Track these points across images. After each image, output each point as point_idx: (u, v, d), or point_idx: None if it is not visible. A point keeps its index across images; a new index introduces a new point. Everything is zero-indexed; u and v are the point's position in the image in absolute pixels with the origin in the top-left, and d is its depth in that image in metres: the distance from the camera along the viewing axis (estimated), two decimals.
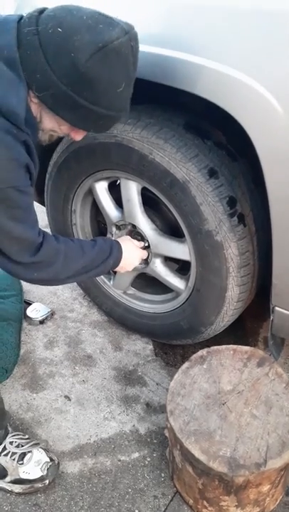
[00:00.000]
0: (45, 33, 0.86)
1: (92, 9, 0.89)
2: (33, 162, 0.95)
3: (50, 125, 0.99)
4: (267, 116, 0.93)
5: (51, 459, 1.27)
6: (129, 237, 1.35)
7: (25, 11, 0.93)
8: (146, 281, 1.67)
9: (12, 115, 0.87)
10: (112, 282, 1.67)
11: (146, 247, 1.42)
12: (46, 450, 1.29)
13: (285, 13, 0.88)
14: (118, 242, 1.27)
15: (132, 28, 0.89)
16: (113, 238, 1.43)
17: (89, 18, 0.86)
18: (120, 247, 1.26)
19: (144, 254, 1.38)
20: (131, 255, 1.29)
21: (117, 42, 0.85)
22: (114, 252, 1.23)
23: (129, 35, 0.88)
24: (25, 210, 0.98)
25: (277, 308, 1.24)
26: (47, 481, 1.24)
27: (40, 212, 2.10)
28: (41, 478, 1.23)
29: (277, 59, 0.90)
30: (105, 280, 1.68)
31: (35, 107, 0.95)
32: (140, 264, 1.42)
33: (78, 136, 1.03)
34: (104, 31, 0.85)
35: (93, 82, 0.87)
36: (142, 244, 1.38)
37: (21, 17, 0.91)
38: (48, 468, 1.24)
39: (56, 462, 1.27)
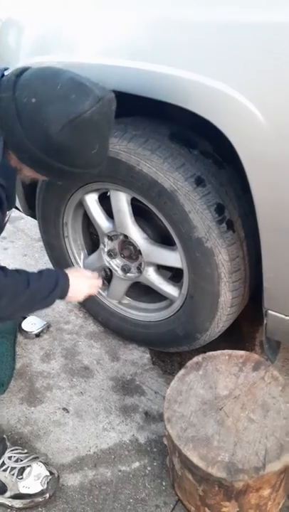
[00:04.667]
0: (20, 101, 0.89)
1: (68, 74, 0.91)
2: (2, 205, 1.00)
3: (30, 174, 1.03)
4: (248, 123, 0.95)
5: (51, 473, 1.26)
6: (78, 267, 1.36)
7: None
8: (140, 290, 1.68)
9: None
10: (106, 292, 1.67)
11: (106, 276, 1.42)
12: (46, 464, 1.28)
13: (264, 25, 0.91)
14: (65, 273, 1.24)
15: (106, 93, 0.91)
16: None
17: (62, 86, 0.89)
18: (67, 277, 1.23)
19: (98, 283, 1.37)
20: (78, 285, 1.27)
21: (89, 112, 0.88)
22: (61, 282, 1.21)
23: (103, 101, 0.90)
24: None
25: (270, 311, 1.25)
26: (47, 495, 1.23)
27: (34, 225, 2.13)
28: (41, 493, 1.23)
29: (257, 69, 0.93)
30: (100, 291, 1.69)
31: (14, 161, 0.99)
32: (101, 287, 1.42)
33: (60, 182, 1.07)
34: (77, 102, 0.87)
35: (67, 150, 0.91)
36: (95, 274, 1.36)
37: (3, 73, 0.94)
38: (48, 482, 1.24)
39: (56, 475, 1.27)
